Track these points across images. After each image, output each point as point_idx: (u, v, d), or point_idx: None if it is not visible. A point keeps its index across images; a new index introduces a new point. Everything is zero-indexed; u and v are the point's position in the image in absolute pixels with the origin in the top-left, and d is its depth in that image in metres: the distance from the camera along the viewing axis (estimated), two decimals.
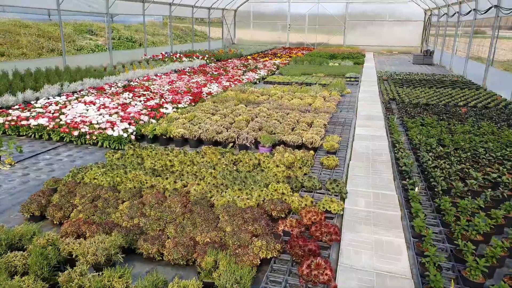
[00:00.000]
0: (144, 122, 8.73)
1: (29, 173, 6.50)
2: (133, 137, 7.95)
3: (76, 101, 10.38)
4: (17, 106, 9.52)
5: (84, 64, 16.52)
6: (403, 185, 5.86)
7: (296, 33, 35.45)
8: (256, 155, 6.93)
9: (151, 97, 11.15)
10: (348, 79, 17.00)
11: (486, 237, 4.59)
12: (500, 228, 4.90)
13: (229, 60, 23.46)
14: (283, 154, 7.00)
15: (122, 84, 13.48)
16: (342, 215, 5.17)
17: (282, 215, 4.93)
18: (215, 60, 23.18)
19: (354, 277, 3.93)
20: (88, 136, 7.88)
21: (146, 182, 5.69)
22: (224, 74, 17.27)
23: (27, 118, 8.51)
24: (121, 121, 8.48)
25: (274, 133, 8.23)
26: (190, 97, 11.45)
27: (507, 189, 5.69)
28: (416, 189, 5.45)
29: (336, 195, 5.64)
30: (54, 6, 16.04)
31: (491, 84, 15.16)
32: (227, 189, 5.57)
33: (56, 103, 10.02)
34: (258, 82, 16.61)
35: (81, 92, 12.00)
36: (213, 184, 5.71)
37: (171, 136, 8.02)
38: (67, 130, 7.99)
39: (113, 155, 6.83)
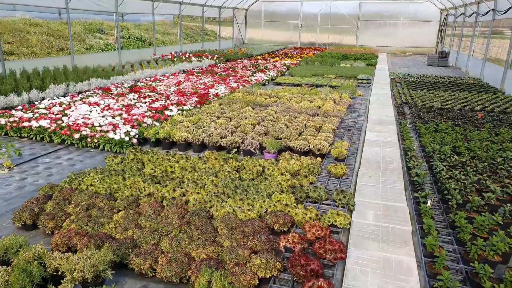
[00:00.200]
0: (148, 125, 8.50)
1: (26, 177, 6.31)
2: (135, 140, 7.73)
3: (80, 102, 10.22)
4: (20, 107, 9.37)
5: (93, 64, 16.42)
6: (415, 197, 5.53)
7: (307, 33, 35.06)
8: (260, 161, 6.66)
9: (157, 99, 10.94)
10: (360, 81, 16.61)
11: (505, 257, 4.25)
12: None
13: (239, 60, 23.21)
14: (289, 161, 6.71)
15: (129, 85, 13.31)
16: (349, 229, 4.87)
17: (285, 229, 4.64)
18: (224, 60, 22.95)
19: None
20: (89, 139, 7.68)
21: (144, 190, 5.45)
22: (233, 74, 17.02)
23: (29, 120, 8.35)
24: (124, 124, 8.27)
25: (281, 138, 7.94)
26: (196, 99, 11.22)
27: None
28: (429, 202, 5.11)
29: (343, 207, 5.33)
30: (63, 5, 15.95)
31: (509, 88, 14.62)
32: (228, 198, 5.30)
33: (60, 104, 9.87)
34: (267, 83, 16.32)
35: (87, 93, 11.85)
36: (214, 193, 5.45)
37: (174, 140, 7.78)
38: (68, 132, 7.80)
39: (113, 160, 6.62)
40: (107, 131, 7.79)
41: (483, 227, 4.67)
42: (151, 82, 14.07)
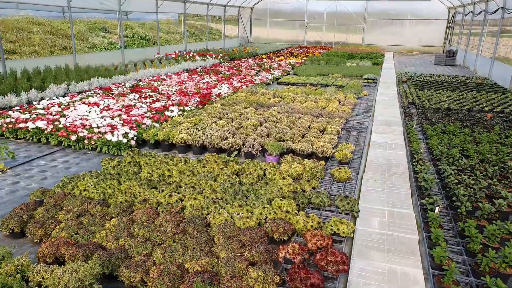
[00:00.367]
0: (147, 126, 8.30)
1: (19, 181, 6.12)
2: (133, 142, 7.52)
3: (80, 102, 10.04)
4: (18, 107, 9.21)
5: (96, 63, 16.26)
6: (422, 204, 5.27)
7: (313, 32, 34.73)
8: (261, 164, 6.43)
9: (158, 99, 10.74)
10: (366, 81, 16.32)
11: None
12: None
13: (243, 59, 22.97)
14: (291, 164, 6.48)
15: (130, 84, 13.12)
16: (353, 237, 4.63)
17: (285, 238, 4.41)
18: (229, 59, 22.73)
19: None
20: (86, 141, 7.49)
21: (140, 195, 5.25)
22: (237, 74, 16.79)
23: (25, 121, 8.18)
24: (123, 125, 8.08)
25: (283, 140, 7.71)
26: (198, 99, 11.01)
27: None
28: (437, 209, 4.86)
29: (347, 214, 5.10)
30: (65, 3, 15.82)
31: None
32: (226, 204, 5.08)
33: (59, 104, 9.70)
34: (271, 82, 16.08)
35: (87, 93, 11.67)
36: (212, 198, 5.23)
37: (174, 142, 7.57)
38: (65, 134, 7.62)
39: (109, 163, 6.42)
40: (105, 133, 7.60)
41: (494, 236, 4.41)
42: (153, 82, 13.87)
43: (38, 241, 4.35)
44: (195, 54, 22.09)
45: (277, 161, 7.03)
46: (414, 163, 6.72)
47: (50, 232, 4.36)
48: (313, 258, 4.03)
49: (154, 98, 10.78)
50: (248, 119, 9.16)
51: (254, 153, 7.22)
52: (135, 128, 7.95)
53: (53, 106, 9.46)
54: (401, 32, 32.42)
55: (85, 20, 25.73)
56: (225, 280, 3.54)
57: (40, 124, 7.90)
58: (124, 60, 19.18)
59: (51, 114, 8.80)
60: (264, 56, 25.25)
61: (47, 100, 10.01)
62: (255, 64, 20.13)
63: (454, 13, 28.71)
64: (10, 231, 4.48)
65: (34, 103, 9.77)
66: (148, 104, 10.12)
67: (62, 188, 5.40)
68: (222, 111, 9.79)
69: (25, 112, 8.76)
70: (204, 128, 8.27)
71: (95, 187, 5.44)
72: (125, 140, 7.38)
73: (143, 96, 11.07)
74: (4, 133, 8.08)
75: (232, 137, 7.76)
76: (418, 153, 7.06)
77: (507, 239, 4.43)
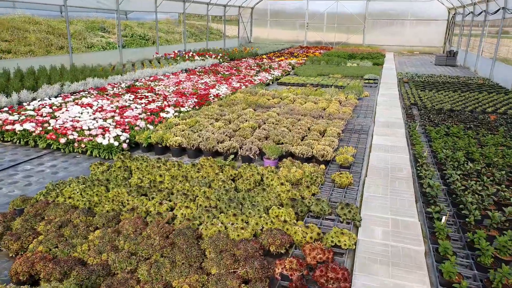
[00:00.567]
0: (140, 128, 8.00)
1: (1, 187, 5.79)
2: (125, 145, 7.21)
3: (73, 103, 9.72)
4: (6, 108, 8.90)
5: (93, 63, 15.96)
6: (428, 212, 4.97)
7: (314, 32, 34.44)
8: (259, 169, 6.13)
9: (153, 100, 10.43)
10: (367, 81, 16.02)
11: None
12: None
13: (243, 60, 22.66)
14: (290, 168, 6.18)
15: (127, 85, 12.81)
16: (355, 249, 4.33)
17: (282, 251, 4.11)
18: (228, 59, 22.42)
19: None
20: (76, 144, 7.18)
21: (128, 203, 4.94)
22: (236, 74, 16.49)
23: (13, 122, 7.87)
24: (115, 127, 7.78)
25: (282, 143, 7.41)
26: (196, 100, 10.70)
27: None
28: (443, 219, 4.56)
29: (348, 222, 4.79)
30: (61, 2, 15.50)
31: None
32: (220, 213, 4.78)
33: (51, 105, 9.39)
34: (271, 83, 15.78)
35: (81, 93, 11.36)
36: (205, 206, 4.93)
37: (168, 145, 7.27)
38: (54, 136, 7.31)
39: (98, 168, 6.11)
40: (96, 135, 7.29)
41: (506, 249, 4.11)
42: (150, 82, 13.56)
43: (14, 255, 4.03)
44: (194, 54, 21.78)
45: (276, 165, 6.73)
46: (418, 168, 6.41)
47: (27, 245, 4.05)
48: (312, 274, 3.72)
49: (150, 99, 10.48)
50: (246, 120, 8.86)
51: (252, 156, 6.92)
52: (127, 131, 7.65)
53: (44, 107, 9.15)
54: (401, 32, 32.16)
55: (83, 19, 25.44)
56: None
57: (28, 126, 7.60)
58: (122, 60, 18.88)
59: (41, 115, 8.50)
60: (264, 56, 24.95)
61: (39, 101, 9.70)
62: (255, 64, 19.82)
63: (454, 14, 28.41)
64: None
65: (25, 104, 9.46)
66: (143, 105, 9.81)
67: (46, 196, 5.09)
68: (220, 112, 9.49)
69: (14, 114, 8.46)
70: (200, 130, 7.97)
71: (81, 194, 5.14)
72: (116, 143, 7.08)
73: (139, 96, 10.76)
74: None
75: (229, 140, 7.46)
76: (422, 156, 6.76)
77: None
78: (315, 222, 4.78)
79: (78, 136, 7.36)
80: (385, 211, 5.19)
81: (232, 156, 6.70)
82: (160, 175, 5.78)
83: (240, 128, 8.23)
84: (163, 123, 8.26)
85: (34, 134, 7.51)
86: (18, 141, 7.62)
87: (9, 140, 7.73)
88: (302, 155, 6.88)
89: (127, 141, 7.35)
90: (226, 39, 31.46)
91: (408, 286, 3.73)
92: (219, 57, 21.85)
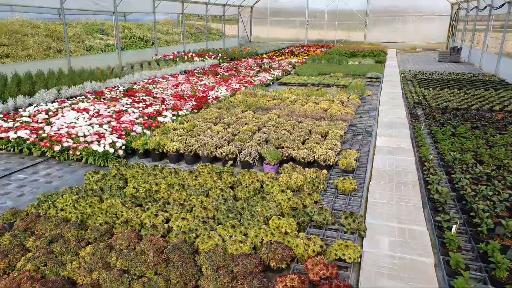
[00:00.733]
0: (137, 133, 7.78)
1: None
2: (121, 152, 6.99)
3: (69, 108, 9.52)
4: (1, 115, 8.70)
5: (92, 66, 15.76)
6: (436, 221, 4.72)
7: (314, 30, 34.15)
8: (259, 175, 5.91)
9: (151, 103, 10.21)
10: (369, 80, 15.76)
11: None
12: None
13: (243, 59, 22.42)
14: (291, 174, 5.96)
15: (124, 88, 12.59)
16: (360, 262, 4.09)
17: (283, 266, 3.88)
18: (228, 59, 22.18)
19: None
20: (71, 151, 6.97)
21: (122, 215, 4.73)
22: (236, 75, 16.26)
23: (7, 130, 7.67)
24: (111, 133, 7.57)
25: (283, 147, 7.18)
26: (194, 103, 10.48)
27: None
28: (453, 228, 4.31)
29: (353, 232, 4.56)
30: (58, 5, 15.32)
31: None
32: (218, 225, 4.56)
33: (47, 111, 9.18)
34: (271, 83, 15.54)
35: (78, 98, 11.16)
36: (202, 217, 4.71)
37: (165, 150, 7.05)
38: (48, 144, 7.11)
39: (92, 176, 5.90)
40: (91, 142, 7.08)
41: None
42: (148, 85, 13.34)
43: (1, 274, 3.82)
44: (193, 55, 21.56)
45: (276, 170, 6.51)
46: (424, 171, 6.17)
47: (15, 263, 3.84)
48: None
49: (148, 103, 10.27)
50: (245, 123, 8.63)
51: (251, 162, 6.69)
52: (123, 136, 7.43)
53: (40, 113, 8.94)
54: (403, 29, 31.84)
55: (81, 22, 25.26)
56: None
57: (23, 133, 7.40)
58: (121, 62, 18.68)
59: (36, 122, 8.30)
60: (264, 55, 24.71)
61: (35, 107, 9.50)
62: (255, 64, 19.58)
63: (457, 9, 28.06)
64: None
65: (20, 110, 9.26)
66: (141, 109, 9.60)
67: (37, 208, 4.88)
68: (219, 116, 9.26)
69: (9, 120, 8.26)
70: (198, 135, 7.75)
71: (74, 206, 4.93)
72: (112, 150, 6.86)
73: (136, 100, 10.55)
74: None
75: (228, 145, 7.24)
76: (428, 159, 6.52)
77: None
78: (318, 233, 4.55)
79: (73, 143, 7.15)
80: (391, 219, 4.95)
81: (230, 162, 6.48)
82: (156, 184, 5.56)
83: (239, 132, 8.01)
84: (160, 128, 8.04)
85: (28, 141, 7.31)
86: (12, 149, 7.42)
87: (3, 148, 7.53)
88: (303, 160, 6.65)
89: (123, 147, 7.14)
90: (226, 39, 31.22)
91: None
92: (218, 57, 21.62)
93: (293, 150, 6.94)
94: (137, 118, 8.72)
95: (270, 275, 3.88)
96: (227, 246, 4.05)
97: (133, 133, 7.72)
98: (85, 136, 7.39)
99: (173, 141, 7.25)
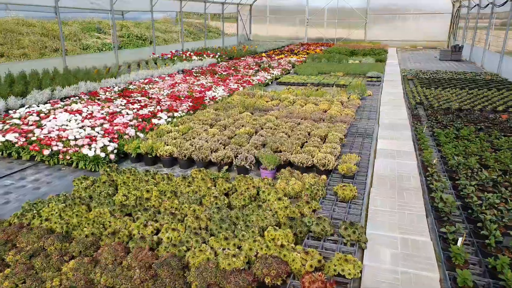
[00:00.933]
0: (130, 136, 7.53)
1: None
2: (112, 156, 6.75)
3: (61, 109, 9.27)
4: None
5: (88, 65, 15.50)
6: (441, 232, 4.48)
7: (314, 28, 33.88)
8: (255, 181, 5.66)
9: (146, 104, 9.95)
10: (369, 79, 15.50)
11: None
12: None
13: (242, 58, 22.15)
14: (288, 180, 5.71)
15: (120, 88, 12.34)
16: (360, 277, 3.85)
17: (278, 282, 3.64)
18: (227, 58, 21.91)
19: None
20: (61, 156, 6.72)
21: (110, 225, 4.49)
22: (234, 74, 15.99)
23: None
24: (103, 136, 7.32)
25: (280, 151, 6.93)
26: (190, 104, 10.23)
27: None
28: (460, 240, 4.07)
29: (353, 244, 4.32)
30: (52, 3, 15.04)
31: None
32: (211, 236, 4.32)
33: (39, 113, 8.94)
34: (270, 82, 15.29)
35: (72, 98, 10.90)
36: (194, 228, 4.46)
37: (158, 154, 6.80)
38: (37, 148, 6.86)
39: (81, 183, 5.66)
40: (82, 146, 6.84)
41: None
42: (144, 85, 13.07)
43: None
44: (192, 53, 21.29)
45: (273, 175, 6.26)
46: (427, 177, 5.92)
47: None
48: None
49: (143, 104, 10.01)
50: (242, 125, 8.38)
51: (248, 166, 6.44)
52: (115, 140, 7.18)
53: (31, 114, 8.70)
54: (404, 27, 31.58)
55: (79, 20, 24.98)
56: None
57: (11, 136, 7.15)
58: (118, 62, 18.42)
59: (27, 124, 8.05)
60: (263, 54, 24.44)
61: (26, 108, 9.26)
62: (254, 63, 19.32)
63: (459, 7, 27.78)
64: None
65: (11, 112, 9.01)
66: (135, 110, 9.35)
67: (20, 218, 4.64)
68: (215, 117, 9.01)
69: None
70: (193, 138, 7.50)
71: (60, 215, 4.69)
72: (103, 155, 6.62)
73: (131, 101, 10.30)
74: None
75: (224, 148, 6.99)
76: (431, 164, 6.27)
77: None
78: (316, 245, 4.30)
79: (63, 147, 6.91)
80: (393, 228, 4.71)
81: (226, 167, 6.23)
82: (148, 191, 5.31)
83: (236, 135, 7.75)
84: (154, 131, 7.79)
85: (17, 145, 7.06)
86: (0, 153, 7.17)
87: None
88: (301, 165, 6.40)
89: (115, 151, 6.89)
90: (225, 37, 30.95)
91: None
92: (217, 56, 21.35)
93: (291, 154, 6.70)
94: (131, 120, 8.48)
95: None
96: (219, 260, 3.81)
97: (126, 136, 7.47)
98: (76, 139, 7.15)
99: (167, 145, 7.00)
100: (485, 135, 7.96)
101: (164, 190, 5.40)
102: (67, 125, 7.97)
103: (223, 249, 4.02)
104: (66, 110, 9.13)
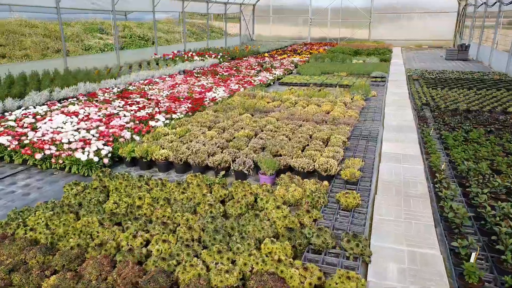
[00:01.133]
0: (126, 139, 7.28)
1: None
2: (106, 160, 6.50)
3: (58, 111, 9.03)
4: None
5: (89, 66, 15.29)
6: (452, 246, 4.16)
7: (318, 28, 33.53)
8: (253, 187, 5.39)
9: (144, 106, 9.70)
10: (374, 79, 15.18)
11: None
12: None
13: (244, 58, 21.87)
14: (288, 186, 5.43)
15: (119, 89, 12.10)
16: None
17: None
18: (229, 58, 21.64)
19: None
20: (53, 160, 6.48)
21: (97, 236, 4.22)
22: (236, 75, 15.72)
23: None
24: (98, 139, 7.07)
25: (280, 155, 6.65)
26: (189, 105, 9.96)
27: None
28: (473, 256, 3.76)
29: (356, 258, 4.03)
30: (53, 4, 14.82)
31: None
32: (203, 248, 4.05)
33: (35, 114, 8.71)
34: (272, 83, 15.00)
35: (70, 100, 10.67)
36: (186, 239, 4.19)
37: (153, 158, 6.54)
38: (29, 152, 6.62)
39: (72, 189, 5.41)
40: (75, 150, 6.59)
41: None
42: (144, 86, 12.83)
43: None
44: (193, 54, 21.04)
45: (272, 181, 5.98)
46: (435, 184, 5.62)
47: None
48: None
49: (141, 105, 9.75)
50: (242, 128, 8.10)
51: (246, 171, 6.16)
52: (110, 143, 6.93)
53: (27, 116, 8.46)
54: (408, 26, 31.14)
55: (81, 21, 24.80)
56: None
57: (3, 139, 6.92)
58: (119, 62, 18.19)
59: (21, 126, 7.83)
60: (266, 54, 24.15)
61: (23, 110, 9.04)
62: (256, 64, 19.03)
63: (465, 5, 27.35)
64: None
65: (7, 114, 8.79)
66: (133, 112, 9.09)
67: (4, 228, 4.39)
68: (214, 119, 8.74)
69: None
70: (190, 141, 7.23)
71: (46, 224, 4.44)
72: (96, 159, 6.37)
73: (130, 102, 10.05)
74: None
75: (221, 152, 6.71)
76: (439, 170, 5.96)
77: None
78: (317, 259, 4.02)
79: (57, 150, 6.66)
80: (400, 240, 4.41)
81: (223, 173, 5.95)
82: (140, 198, 5.05)
83: (234, 138, 7.48)
84: (151, 134, 7.53)
85: (9, 148, 6.83)
86: None
87: None
88: (302, 169, 6.12)
89: (109, 155, 6.64)
90: (227, 37, 30.67)
91: None
92: (219, 56, 21.08)
93: (292, 159, 6.41)
94: (127, 122, 8.23)
95: None
96: (211, 276, 3.53)
97: (121, 139, 7.21)
98: (69, 142, 6.90)
99: (163, 148, 6.75)
100: (496, 138, 7.63)
101: (157, 197, 5.14)
102: (62, 128, 7.73)
103: (216, 264, 3.75)
104: (62, 112, 8.90)
